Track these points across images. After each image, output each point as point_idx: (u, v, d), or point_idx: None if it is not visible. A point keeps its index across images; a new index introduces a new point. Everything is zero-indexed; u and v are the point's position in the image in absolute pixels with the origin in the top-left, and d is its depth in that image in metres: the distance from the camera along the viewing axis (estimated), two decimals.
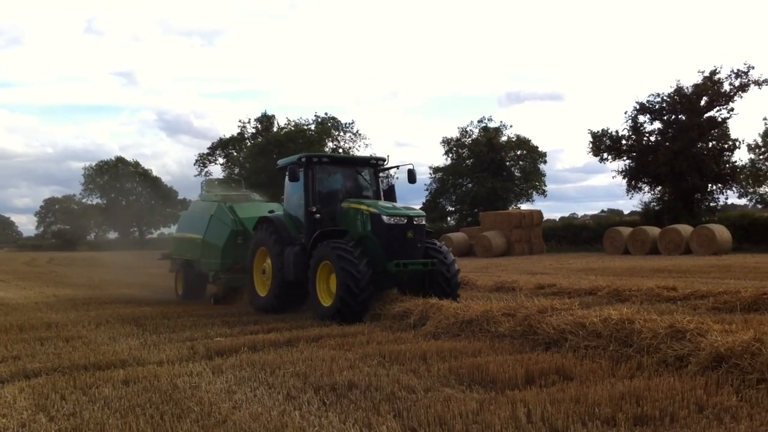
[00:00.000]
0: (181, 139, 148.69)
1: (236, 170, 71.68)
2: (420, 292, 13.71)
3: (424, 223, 14.15)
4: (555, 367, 7.82)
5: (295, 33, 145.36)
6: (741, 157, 59.75)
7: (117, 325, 13.19)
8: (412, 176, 15.78)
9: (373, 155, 15.39)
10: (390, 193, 15.97)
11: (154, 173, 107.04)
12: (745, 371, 7.11)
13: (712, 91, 50.50)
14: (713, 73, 50.67)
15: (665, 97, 52.78)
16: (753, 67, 50.64)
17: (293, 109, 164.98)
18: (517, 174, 69.64)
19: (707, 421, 5.75)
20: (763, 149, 49.08)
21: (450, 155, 70.99)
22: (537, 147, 69.67)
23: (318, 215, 14.53)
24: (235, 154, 75.78)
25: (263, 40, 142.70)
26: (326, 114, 72.64)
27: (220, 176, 73.54)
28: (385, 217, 13.55)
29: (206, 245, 18.59)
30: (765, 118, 56.65)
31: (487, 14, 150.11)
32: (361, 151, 71.17)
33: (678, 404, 6.17)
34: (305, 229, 14.59)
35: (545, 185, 70.07)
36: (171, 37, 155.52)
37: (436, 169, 70.89)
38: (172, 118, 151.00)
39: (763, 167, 49.23)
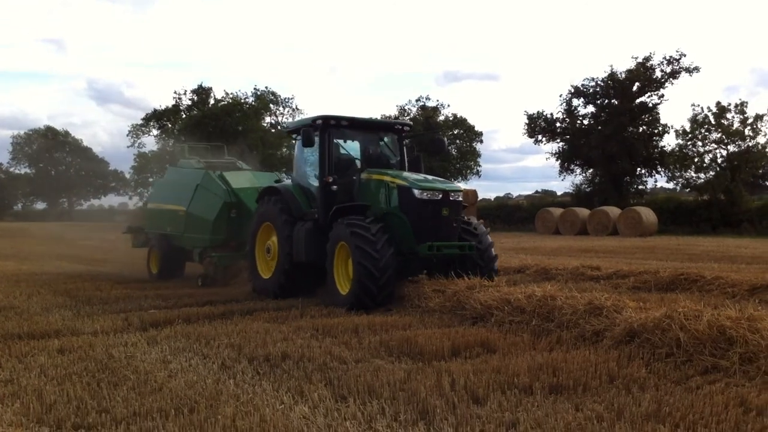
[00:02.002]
0: (112, 108, 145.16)
1: (171, 142, 70.63)
2: (450, 275, 11.90)
3: (460, 199, 12.27)
4: (480, 340, 8.22)
5: (232, 5, 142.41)
6: (669, 142, 61.84)
7: (49, 297, 13.16)
8: (441, 146, 14.12)
9: (399, 119, 14.13)
10: (416, 165, 13.90)
11: (85, 143, 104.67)
12: (655, 346, 7.60)
13: (645, 77, 52.00)
14: (646, 59, 52.22)
15: (599, 82, 54.11)
16: (684, 55, 52.31)
17: (231, 82, 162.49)
18: (454, 153, 70.40)
19: (616, 391, 6.18)
20: (690, 135, 50.68)
21: None
22: (473, 126, 70.51)
23: (334, 187, 12.64)
24: (169, 126, 74.50)
25: (198, 11, 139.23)
26: (266, 88, 71.98)
27: (154, 149, 72.45)
28: (416, 191, 11.64)
29: (192, 219, 16.48)
30: (693, 105, 58.51)
31: None
32: None
33: (591, 375, 6.59)
34: (319, 202, 12.75)
35: (480, 165, 71.06)
36: (101, 4, 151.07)
37: None
38: (102, 87, 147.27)
39: (691, 152, 50.86)
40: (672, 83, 52.73)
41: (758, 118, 49.52)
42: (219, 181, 16.19)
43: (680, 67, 52.08)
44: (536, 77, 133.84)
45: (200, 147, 20.30)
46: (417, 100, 71.41)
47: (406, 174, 12.39)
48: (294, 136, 14.07)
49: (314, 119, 12.94)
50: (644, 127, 53.93)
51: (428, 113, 69.20)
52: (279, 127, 68.41)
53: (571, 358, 7.28)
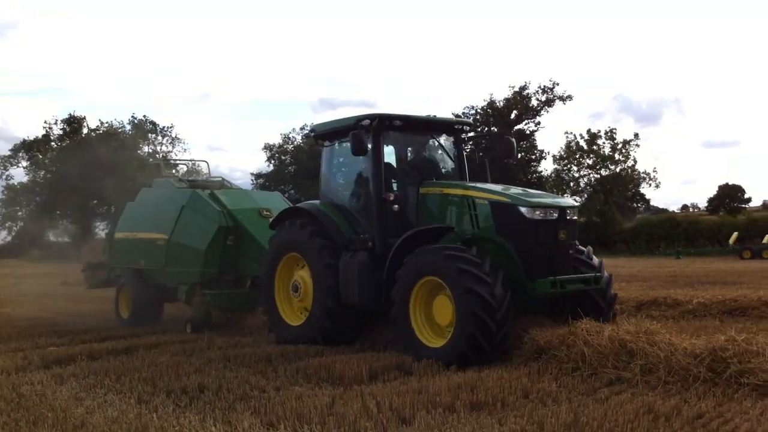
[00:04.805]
0: None
1: (41, 173, 67.82)
2: (551, 315, 9.56)
3: (576, 217, 9.79)
4: (395, 364, 8.44)
5: (98, 30, 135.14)
6: (546, 167, 64.56)
7: None
8: (509, 149, 11.04)
9: (458, 118, 11.07)
10: (481, 174, 11.37)
11: None
12: (562, 361, 8.04)
13: (522, 105, 54.24)
14: (522, 88, 54.39)
15: (479, 110, 55.97)
16: (558, 84, 54.77)
17: (100, 109, 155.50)
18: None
19: (533, 405, 6.50)
20: (566, 160, 53.09)
21: (272, 161, 71.10)
22: None
23: (396, 206, 10.16)
24: (40, 157, 71.48)
25: (63, 36, 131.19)
26: (144, 117, 70.27)
27: (24, 180, 69.31)
28: (524, 209, 9.09)
29: (176, 249, 13.46)
30: (566, 132, 61.30)
31: (298, 18, 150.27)
32: (179, 156, 69.40)
33: (507, 391, 6.91)
34: (375, 226, 10.13)
35: None
36: None
37: (257, 176, 70.81)
38: None
39: (566, 177, 53.25)
40: (547, 111, 55.22)
41: (626, 143, 52.43)
42: (210, 201, 13.46)
43: (554, 96, 54.64)
44: (413, 105, 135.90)
45: (179, 163, 17.58)
46: (301, 128, 71.58)
47: (491, 186, 10.08)
48: (323, 142, 11.59)
49: (361, 118, 10.34)
50: (523, 154, 56.08)
51: (312, 141, 69.35)
52: (159, 155, 66.73)
53: (485, 376, 7.60)
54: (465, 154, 11.43)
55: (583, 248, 10.07)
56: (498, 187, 9.98)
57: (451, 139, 11.30)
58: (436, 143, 11.31)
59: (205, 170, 17.29)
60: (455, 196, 9.85)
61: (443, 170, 11.17)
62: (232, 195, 14.09)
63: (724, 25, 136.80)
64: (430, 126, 11.32)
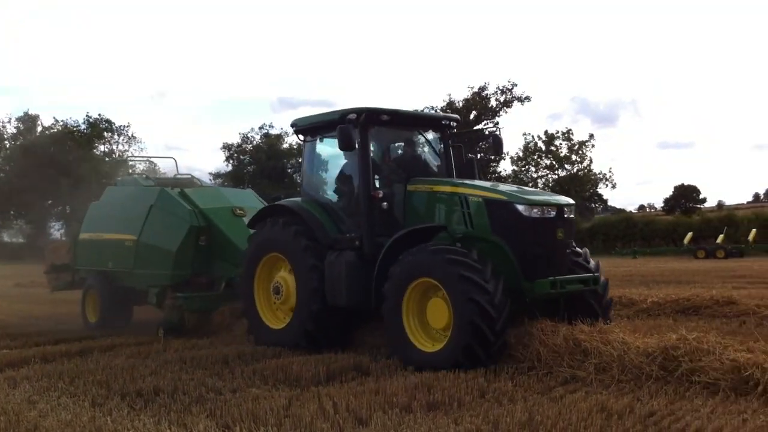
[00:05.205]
0: None
1: None
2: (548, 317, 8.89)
3: (573, 215, 9.47)
4: (353, 365, 8.45)
5: (52, 29, 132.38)
6: (505, 167, 65.04)
7: None
8: (498, 145, 11.25)
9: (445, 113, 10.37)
10: (468, 171, 11.01)
11: None
12: (518, 360, 8.15)
13: (481, 105, 54.63)
14: (482, 89, 54.76)
15: (438, 110, 56.20)
16: (516, 85, 55.23)
17: (55, 108, 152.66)
18: (299, 181, 70.48)
19: (489, 404, 6.55)
20: (524, 161, 53.63)
21: (231, 161, 70.63)
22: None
23: (385, 204, 9.78)
24: None
25: (17, 35, 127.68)
26: (100, 115, 69.17)
27: None
28: (521, 207, 8.75)
29: (146, 250, 12.88)
30: (524, 134, 61.98)
31: (256, 17, 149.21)
32: (136, 154, 68.57)
33: (463, 391, 6.96)
34: (364, 225, 9.71)
35: None
36: None
37: (216, 176, 70.27)
38: None
39: (525, 178, 53.74)
40: (506, 112, 55.67)
41: (582, 144, 53.14)
42: (180, 199, 12.86)
43: (513, 97, 55.11)
44: (371, 104, 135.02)
45: (142, 161, 16.43)
46: (260, 128, 71.19)
47: (482, 183, 9.95)
48: (304, 137, 11.16)
49: (347, 113, 9.88)
50: (482, 154, 56.49)
51: (272, 141, 69.17)
52: (116, 154, 65.84)
53: (442, 376, 7.62)
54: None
55: (580, 250, 9.79)
56: (487, 184, 9.83)
57: (438, 135, 10.92)
58: (423, 139, 10.94)
59: (164, 169, 16.53)
60: (444, 193, 9.49)
61: (430, 167, 10.71)
62: (204, 193, 13.52)
63: (679, 30, 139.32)
64: (417, 121, 11.14)
